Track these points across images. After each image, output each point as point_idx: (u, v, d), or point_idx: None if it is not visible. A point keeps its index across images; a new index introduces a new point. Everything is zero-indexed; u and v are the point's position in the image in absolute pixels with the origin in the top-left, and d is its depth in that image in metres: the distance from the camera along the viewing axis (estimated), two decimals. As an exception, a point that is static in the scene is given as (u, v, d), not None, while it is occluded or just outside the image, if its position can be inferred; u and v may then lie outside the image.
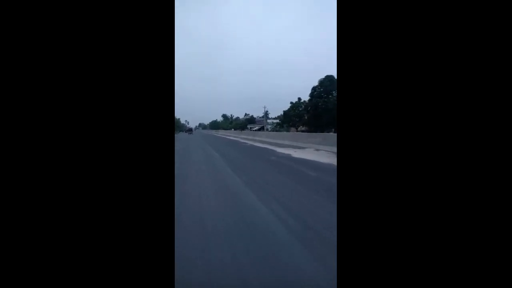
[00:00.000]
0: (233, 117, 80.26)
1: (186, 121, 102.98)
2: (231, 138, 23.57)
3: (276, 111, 64.96)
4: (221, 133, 46.76)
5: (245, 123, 57.97)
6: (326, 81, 25.43)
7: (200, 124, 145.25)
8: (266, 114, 70.47)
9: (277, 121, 54.94)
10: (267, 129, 42.95)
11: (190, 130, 38.88)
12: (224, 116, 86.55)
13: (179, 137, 25.88)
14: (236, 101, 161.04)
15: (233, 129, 54.70)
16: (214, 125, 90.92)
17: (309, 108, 27.14)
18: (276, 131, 36.36)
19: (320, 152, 8.44)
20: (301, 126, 30.16)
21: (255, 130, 42.29)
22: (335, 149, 8.58)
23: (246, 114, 78.41)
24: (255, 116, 68.31)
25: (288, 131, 31.56)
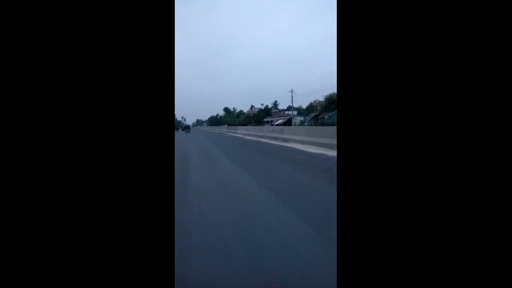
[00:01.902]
0: (236, 110, 72.35)
1: (182, 117, 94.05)
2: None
3: (284, 103, 58.50)
4: (243, 132, 20.34)
5: (261, 116, 49.94)
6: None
7: (198, 121, 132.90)
8: (275, 104, 63.18)
9: (294, 112, 47.95)
10: (301, 122, 35.57)
11: (187, 128, 33.88)
12: (226, 109, 77.79)
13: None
14: (237, 94, 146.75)
15: (279, 122, 36.04)
16: (215, 121, 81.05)
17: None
18: (321, 124, 28.78)
19: None
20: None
21: (277, 124, 34.98)
22: None
23: (252, 107, 70.74)
24: (262, 107, 61.09)
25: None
